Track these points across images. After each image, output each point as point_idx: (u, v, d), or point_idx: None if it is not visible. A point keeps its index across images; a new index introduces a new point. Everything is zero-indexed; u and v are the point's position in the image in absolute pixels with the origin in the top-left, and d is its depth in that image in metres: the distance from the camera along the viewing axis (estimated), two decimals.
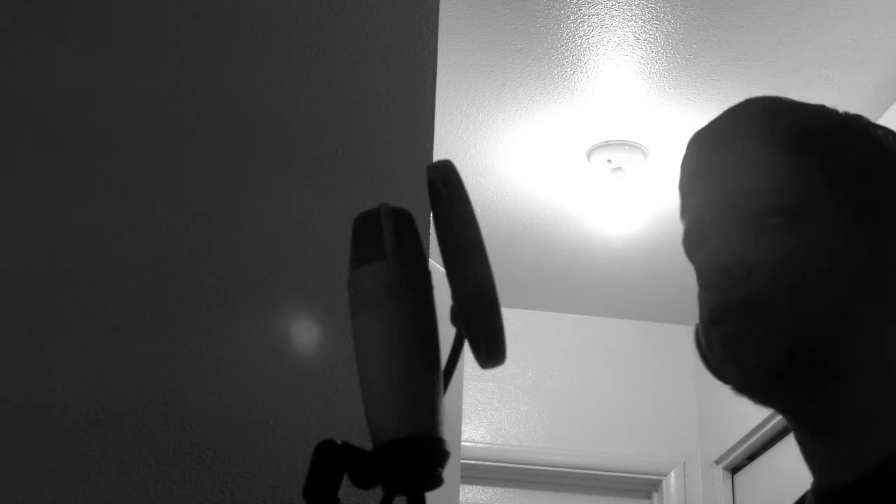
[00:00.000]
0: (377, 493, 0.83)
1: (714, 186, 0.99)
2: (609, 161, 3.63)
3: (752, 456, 4.15)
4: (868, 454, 0.90)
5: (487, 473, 4.47)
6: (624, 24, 3.13)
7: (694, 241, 1.00)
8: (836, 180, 0.96)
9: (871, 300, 0.93)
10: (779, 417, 3.94)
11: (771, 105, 1.02)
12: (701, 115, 3.44)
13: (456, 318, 0.85)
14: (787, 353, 0.92)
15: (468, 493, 4.49)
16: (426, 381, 0.83)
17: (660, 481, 4.52)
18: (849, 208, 0.95)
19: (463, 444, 3.30)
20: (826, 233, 0.94)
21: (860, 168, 0.97)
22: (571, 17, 3.12)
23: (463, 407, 2.21)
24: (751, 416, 4.04)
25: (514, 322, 4.45)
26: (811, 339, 0.92)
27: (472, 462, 4.32)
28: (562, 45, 3.22)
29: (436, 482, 0.82)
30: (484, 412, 4.52)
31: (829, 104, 1.03)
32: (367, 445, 0.82)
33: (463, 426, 2.72)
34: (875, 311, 0.93)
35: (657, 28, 3.13)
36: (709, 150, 1.01)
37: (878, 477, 0.89)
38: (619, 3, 3.06)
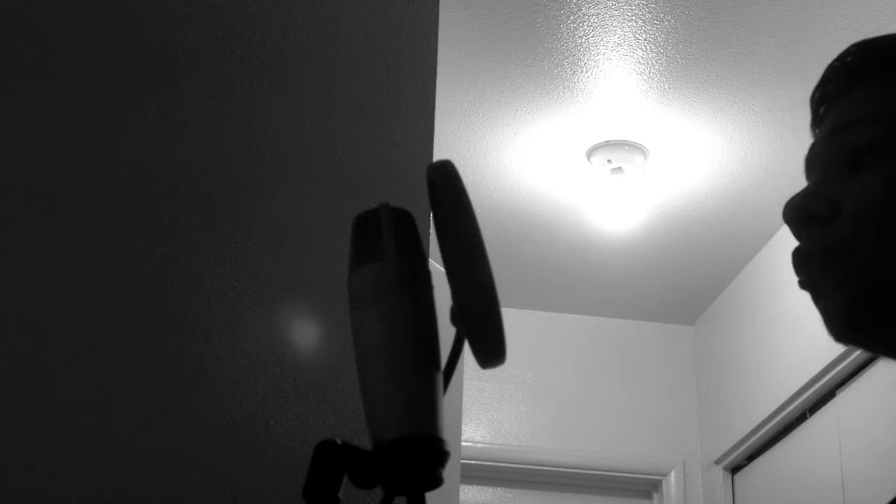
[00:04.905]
0: (377, 493, 0.83)
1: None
2: (609, 161, 3.63)
3: (752, 456, 4.15)
4: None
5: (487, 473, 4.47)
6: (624, 25, 3.13)
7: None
8: None
9: None
10: (779, 417, 3.93)
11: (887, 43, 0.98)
12: (701, 115, 3.45)
13: (456, 318, 0.85)
14: (872, 286, 0.90)
15: (468, 493, 4.49)
16: (426, 380, 0.83)
17: (660, 481, 4.52)
18: None
19: (463, 444, 3.30)
20: None
21: None
22: (571, 17, 3.12)
23: (463, 407, 2.21)
24: (751, 416, 4.04)
25: (514, 322, 4.45)
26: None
27: (472, 462, 4.32)
28: (562, 45, 3.22)
29: (436, 482, 0.82)
30: (484, 412, 4.52)
31: None
32: (367, 445, 0.82)
33: (463, 426, 2.72)
34: None
35: (657, 28, 3.13)
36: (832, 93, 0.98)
37: None
38: (619, 3, 3.06)
